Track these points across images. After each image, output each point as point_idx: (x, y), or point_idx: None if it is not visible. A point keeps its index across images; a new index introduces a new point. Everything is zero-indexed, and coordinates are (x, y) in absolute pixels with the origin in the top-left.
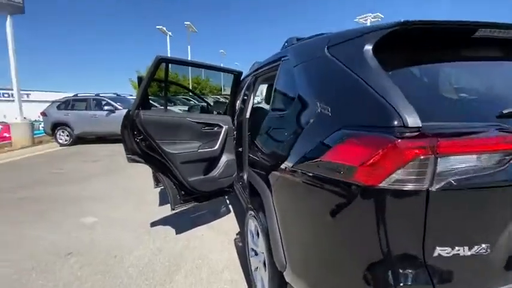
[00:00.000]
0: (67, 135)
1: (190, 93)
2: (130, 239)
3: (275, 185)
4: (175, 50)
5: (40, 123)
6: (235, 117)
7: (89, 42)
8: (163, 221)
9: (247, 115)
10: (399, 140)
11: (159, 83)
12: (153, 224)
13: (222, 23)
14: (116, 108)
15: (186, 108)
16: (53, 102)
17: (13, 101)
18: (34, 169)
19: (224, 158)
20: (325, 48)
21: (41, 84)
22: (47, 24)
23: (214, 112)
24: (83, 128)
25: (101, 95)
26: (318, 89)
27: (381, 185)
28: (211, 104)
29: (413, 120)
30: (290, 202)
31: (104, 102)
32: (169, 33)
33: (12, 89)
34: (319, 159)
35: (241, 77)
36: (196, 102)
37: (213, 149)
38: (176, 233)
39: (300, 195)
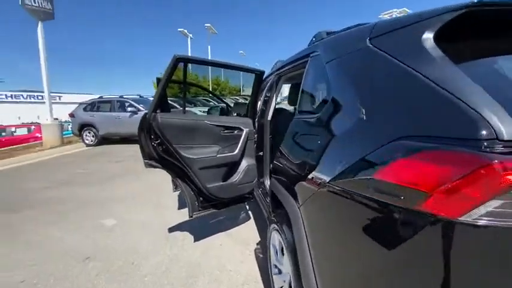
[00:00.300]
0: (93, 136)
1: (210, 95)
2: (148, 244)
3: (305, 200)
4: (196, 51)
5: (69, 124)
6: (256, 119)
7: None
8: (181, 226)
9: (269, 117)
10: (496, 160)
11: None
12: (171, 229)
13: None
14: (139, 110)
15: (206, 109)
16: (80, 104)
17: (40, 102)
18: (61, 169)
19: (244, 163)
20: (367, 40)
21: (72, 86)
22: (77, 29)
23: (234, 114)
24: (108, 129)
25: (124, 96)
26: (359, 88)
27: (462, 218)
28: (231, 105)
29: (510, 130)
30: (326, 223)
31: (127, 104)
32: (190, 35)
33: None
34: (368, 177)
35: (263, 77)
36: (215, 103)
37: (232, 153)
38: (194, 240)
39: (340, 216)
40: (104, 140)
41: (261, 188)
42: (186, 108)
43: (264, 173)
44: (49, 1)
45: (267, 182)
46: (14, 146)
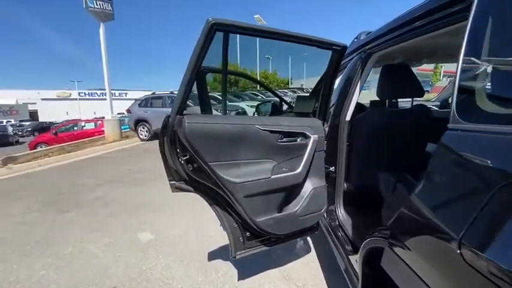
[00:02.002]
0: (146, 131)
1: (259, 87)
2: (182, 273)
3: None
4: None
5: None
6: (330, 119)
7: (172, 44)
8: (223, 253)
9: (348, 116)
10: None
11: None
12: (211, 256)
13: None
14: (188, 106)
15: (255, 104)
16: (135, 100)
17: (114, 99)
18: (115, 164)
19: (309, 186)
20: None
21: (137, 84)
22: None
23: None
24: (159, 124)
25: (174, 92)
26: None
27: None
28: (290, 101)
29: None
30: None
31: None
32: None
33: (114, 89)
34: None
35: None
36: (263, 97)
37: (294, 172)
38: (238, 278)
39: None
40: (157, 135)
41: (330, 219)
42: (232, 103)
43: (337, 197)
44: (109, 3)
45: (340, 211)
46: (83, 140)
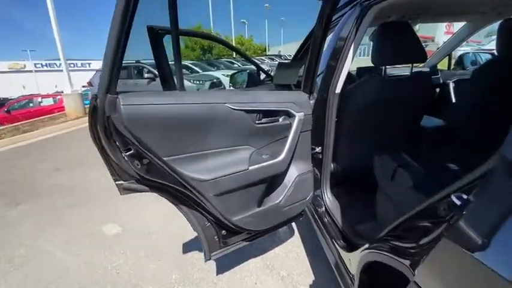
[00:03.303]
0: None
1: (236, 54)
2: (153, 272)
3: None
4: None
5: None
6: (317, 91)
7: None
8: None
9: (338, 88)
10: None
11: (200, 43)
12: (187, 248)
13: None
14: (156, 76)
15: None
16: (97, 71)
17: (76, 70)
18: (78, 145)
19: (294, 172)
20: None
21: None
22: None
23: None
24: None
25: (142, 62)
26: None
27: None
28: (268, 69)
29: None
30: None
31: (145, 70)
32: None
33: (74, 59)
34: None
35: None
36: (240, 65)
37: (276, 160)
38: (217, 272)
39: None
40: None
41: (316, 204)
42: (207, 72)
43: (323, 181)
44: None
45: (327, 196)
46: (41, 118)
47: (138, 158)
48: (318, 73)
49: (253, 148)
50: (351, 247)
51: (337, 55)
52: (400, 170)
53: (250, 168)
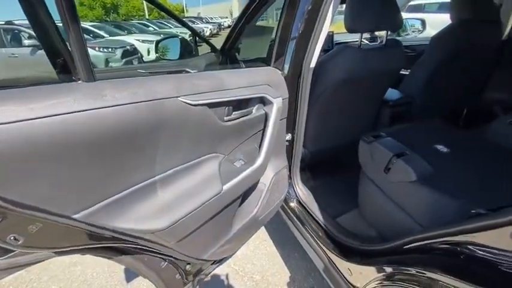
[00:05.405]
0: None
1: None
2: None
3: None
4: None
5: None
6: (288, 67)
7: None
8: None
9: (313, 62)
10: None
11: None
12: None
13: None
14: None
15: (151, 38)
16: None
17: None
18: None
19: (270, 173)
20: None
21: None
22: None
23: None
24: None
25: (15, 22)
26: None
27: None
28: (207, 34)
29: None
30: None
31: (25, 35)
32: None
33: None
34: None
35: None
36: (156, 29)
37: (254, 166)
38: None
39: None
40: None
41: (287, 197)
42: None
43: (293, 170)
44: None
45: (299, 188)
46: None
47: (14, 230)
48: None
49: (222, 155)
50: (343, 251)
51: (313, 18)
52: (398, 162)
53: (224, 188)
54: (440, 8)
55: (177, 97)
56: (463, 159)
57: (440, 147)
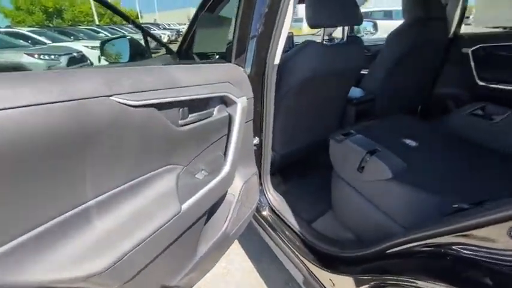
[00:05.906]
0: None
1: (98, 20)
2: None
3: None
4: None
5: None
6: (250, 65)
7: None
8: None
9: (277, 57)
10: None
11: (44, 7)
12: None
13: None
14: None
15: (97, 44)
16: None
17: None
18: None
19: (239, 182)
20: None
21: None
22: None
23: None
24: None
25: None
26: None
27: None
28: (166, 37)
29: None
30: None
31: None
32: None
33: None
34: None
35: None
36: (108, 35)
37: (220, 177)
38: None
39: None
40: None
41: (258, 204)
42: (60, 44)
43: (263, 175)
44: None
45: (270, 193)
46: None
47: None
48: (251, 36)
49: (180, 166)
50: (322, 259)
51: (275, 10)
52: (372, 159)
53: (184, 207)
54: (385, 15)
55: (108, 96)
56: (431, 152)
57: (408, 141)
